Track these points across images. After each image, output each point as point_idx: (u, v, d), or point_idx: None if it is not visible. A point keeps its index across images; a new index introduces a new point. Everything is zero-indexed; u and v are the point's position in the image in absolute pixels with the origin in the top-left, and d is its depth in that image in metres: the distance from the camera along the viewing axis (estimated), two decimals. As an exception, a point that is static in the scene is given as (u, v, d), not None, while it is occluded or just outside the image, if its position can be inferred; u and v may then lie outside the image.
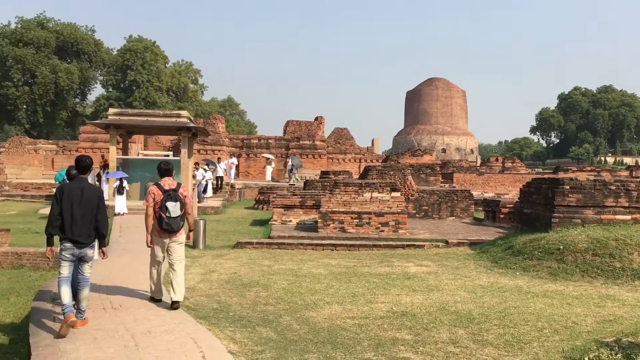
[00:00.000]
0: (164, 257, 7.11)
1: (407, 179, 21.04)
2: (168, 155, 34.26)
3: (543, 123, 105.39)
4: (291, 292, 8.60)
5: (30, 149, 40.71)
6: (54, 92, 57.32)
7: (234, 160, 31.20)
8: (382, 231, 14.87)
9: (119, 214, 19.96)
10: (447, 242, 13.72)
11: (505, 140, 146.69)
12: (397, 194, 16.09)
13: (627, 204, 12.00)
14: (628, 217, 11.94)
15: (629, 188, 12.06)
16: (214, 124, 41.59)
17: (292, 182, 34.15)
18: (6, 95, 56.63)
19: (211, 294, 8.38)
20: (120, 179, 20.45)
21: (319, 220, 15.13)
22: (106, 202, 22.34)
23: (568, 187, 12.12)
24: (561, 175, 23.28)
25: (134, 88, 64.08)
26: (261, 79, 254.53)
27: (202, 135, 34.26)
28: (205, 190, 24.98)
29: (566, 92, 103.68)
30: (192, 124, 24.68)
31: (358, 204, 15.68)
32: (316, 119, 45.35)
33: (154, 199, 6.93)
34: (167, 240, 7.02)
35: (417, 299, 8.25)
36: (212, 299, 8.05)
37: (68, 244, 6.02)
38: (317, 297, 8.35)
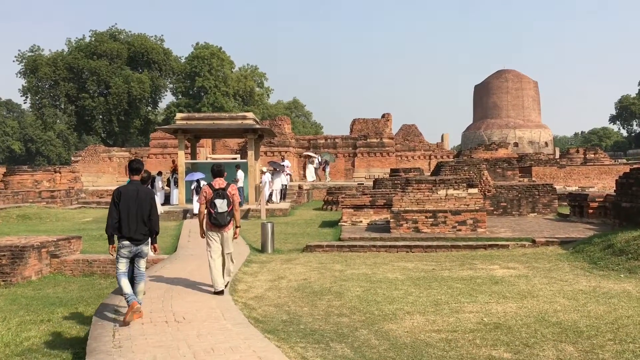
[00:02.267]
0: (219, 249, 7.73)
1: (483, 174, 19.84)
2: (235, 158, 34.41)
3: (623, 111, 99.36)
4: (367, 301, 7.85)
5: (104, 156, 42.08)
6: (127, 102, 59.15)
7: (287, 162, 30.88)
8: (459, 230, 13.89)
9: (196, 214, 19.92)
10: (534, 241, 12.55)
11: (582, 132, 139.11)
12: (474, 190, 15.04)
13: None
14: None
15: None
16: (280, 125, 41.48)
17: (327, 180, 33.47)
18: (83, 107, 59.04)
19: (280, 304, 7.76)
20: (198, 180, 20.48)
21: (392, 220, 14.32)
22: (178, 205, 22.63)
23: (675, 176, 10.76)
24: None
25: (202, 94, 65.22)
26: (326, 79, 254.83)
27: (269, 137, 34.15)
28: (270, 197, 24.47)
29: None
30: (257, 126, 24.47)
31: (432, 202, 14.74)
32: (383, 116, 44.39)
33: (205, 197, 7.68)
34: (217, 233, 7.70)
35: (509, 308, 7.30)
36: (281, 309, 7.44)
37: (126, 242, 6.59)
38: (395, 306, 7.55)
